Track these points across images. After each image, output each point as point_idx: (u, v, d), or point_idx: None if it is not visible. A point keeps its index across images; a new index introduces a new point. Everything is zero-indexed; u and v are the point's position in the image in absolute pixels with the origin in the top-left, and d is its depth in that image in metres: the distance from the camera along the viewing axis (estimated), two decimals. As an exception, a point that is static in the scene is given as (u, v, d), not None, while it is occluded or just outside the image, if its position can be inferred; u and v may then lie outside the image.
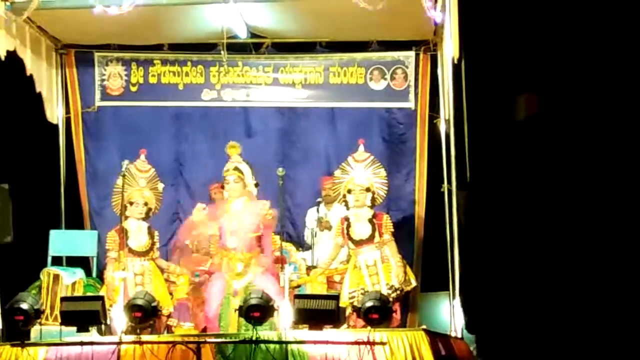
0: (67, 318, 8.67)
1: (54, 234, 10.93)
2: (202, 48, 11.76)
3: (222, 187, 10.62)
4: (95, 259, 10.91)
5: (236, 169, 9.82)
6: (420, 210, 11.44)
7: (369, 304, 8.49)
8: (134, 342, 8.43)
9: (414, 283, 9.98)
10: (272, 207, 9.76)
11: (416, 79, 11.56)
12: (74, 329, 8.65)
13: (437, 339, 8.78)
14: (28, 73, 10.63)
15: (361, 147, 10.14)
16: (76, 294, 10.12)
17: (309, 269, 10.34)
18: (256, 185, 9.94)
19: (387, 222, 9.90)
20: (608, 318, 4.06)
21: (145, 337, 8.65)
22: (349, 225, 9.88)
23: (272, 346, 8.33)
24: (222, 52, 11.29)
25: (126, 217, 9.94)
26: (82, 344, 8.45)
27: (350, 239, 9.85)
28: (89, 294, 10.07)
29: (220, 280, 9.66)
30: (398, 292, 9.63)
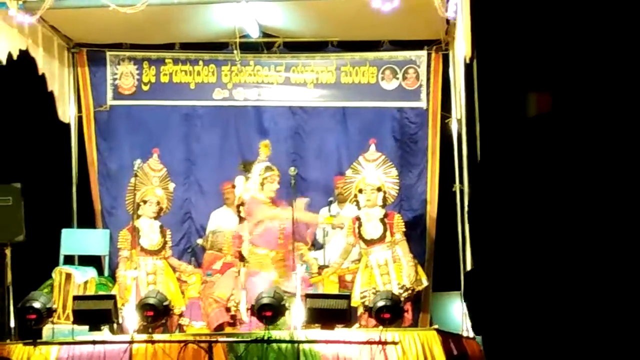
0: (79, 317, 8.70)
1: (66, 233, 10.95)
2: (213, 47, 11.76)
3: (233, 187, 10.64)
4: (107, 258, 10.95)
5: (272, 169, 9.94)
6: (431, 210, 11.42)
7: (381, 303, 8.49)
8: (146, 341, 8.44)
9: (425, 283, 9.97)
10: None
11: (428, 79, 11.55)
12: (86, 327, 8.67)
13: (449, 338, 8.78)
14: (40, 72, 10.64)
15: (372, 147, 10.13)
16: (88, 292, 10.14)
17: (321, 268, 10.33)
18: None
19: (398, 221, 9.90)
20: (615, 320, 4.04)
21: (157, 336, 8.66)
22: (360, 225, 9.87)
23: (284, 345, 8.34)
24: (234, 51, 11.31)
25: (138, 216, 9.96)
26: (94, 342, 8.47)
27: (361, 238, 9.85)
28: (101, 292, 10.09)
29: (264, 280, 9.64)
30: (409, 291, 9.62)
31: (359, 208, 9.98)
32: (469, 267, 9.52)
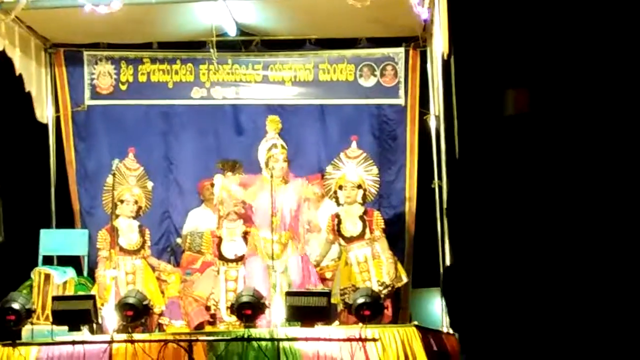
0: (59, 317, 8.67)
1: (44, 234, 10.90)
2: (191, 46, 11.74)
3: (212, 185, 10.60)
4: (86, 258, 10.89)
5: (282, 146, 9.74)
6: (411, 206, 11.44)
7: (361, 300, 8.50)
8: (126, 341, 8.43)
9: (405, 279, 9.99)
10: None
11: (406, 76, 11.56)
12: (66, 328, 8.65)
13: (428, 334, 8.80)
14: (17, 72, 10.61)
15: (354, 144, 10.13)
16: (67, 293, 10.09)
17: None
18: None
19: (377, 218, 9.90)
20: (592, 317, 4.07)
21: (136, 336, 8.64)
22: (339, 222, 9.87)
23: (264, 344, 8.34)
24: (211, 50, 11.28)
25: (117, 216, 9.93)
26: (73, 343, 8.45)
27: (341, 235, 9.84)
28: (80, 293, 10.05)
29: (259, 265, 9.52)
30: (389, 288, 9.63)
31: (339, 205, 9.98)
32: (448, 264, 9.54)
